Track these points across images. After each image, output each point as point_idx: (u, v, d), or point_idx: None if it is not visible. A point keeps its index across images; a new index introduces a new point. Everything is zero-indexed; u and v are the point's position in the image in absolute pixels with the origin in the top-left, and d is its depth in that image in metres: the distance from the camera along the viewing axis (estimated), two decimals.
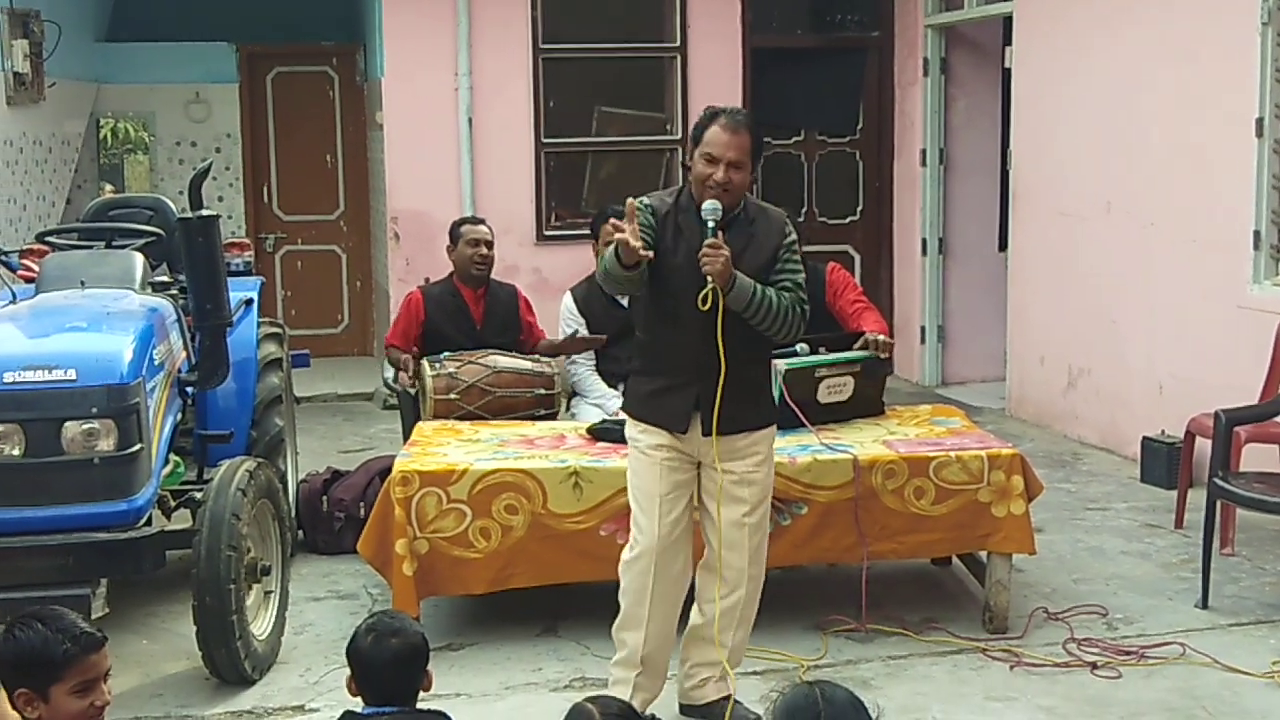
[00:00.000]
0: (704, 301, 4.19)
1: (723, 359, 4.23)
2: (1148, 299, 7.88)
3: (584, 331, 6.49)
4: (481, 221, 6.82)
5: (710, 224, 4.23)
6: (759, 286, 4.28)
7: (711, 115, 4.36)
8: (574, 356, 6.50)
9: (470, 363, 6.17)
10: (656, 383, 4.42)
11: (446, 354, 6.25)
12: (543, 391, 6.23)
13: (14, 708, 2.90)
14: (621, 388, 5.63)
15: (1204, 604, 5.66)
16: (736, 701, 4.51)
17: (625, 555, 4.50)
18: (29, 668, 2.89)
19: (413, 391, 6.36)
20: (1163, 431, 7.50)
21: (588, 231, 6.61)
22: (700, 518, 4.51)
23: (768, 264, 4.37)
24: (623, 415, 4.67)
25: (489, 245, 6.61)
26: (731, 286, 4.21)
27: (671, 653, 4.58)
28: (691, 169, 4.39)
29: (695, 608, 4.55)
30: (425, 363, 6.20)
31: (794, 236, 4.48)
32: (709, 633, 4.47)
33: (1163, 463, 7.37)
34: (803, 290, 4.42)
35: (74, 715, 2.90)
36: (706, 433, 4.32)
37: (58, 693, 2.89)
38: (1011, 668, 5.08)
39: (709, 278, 4.18)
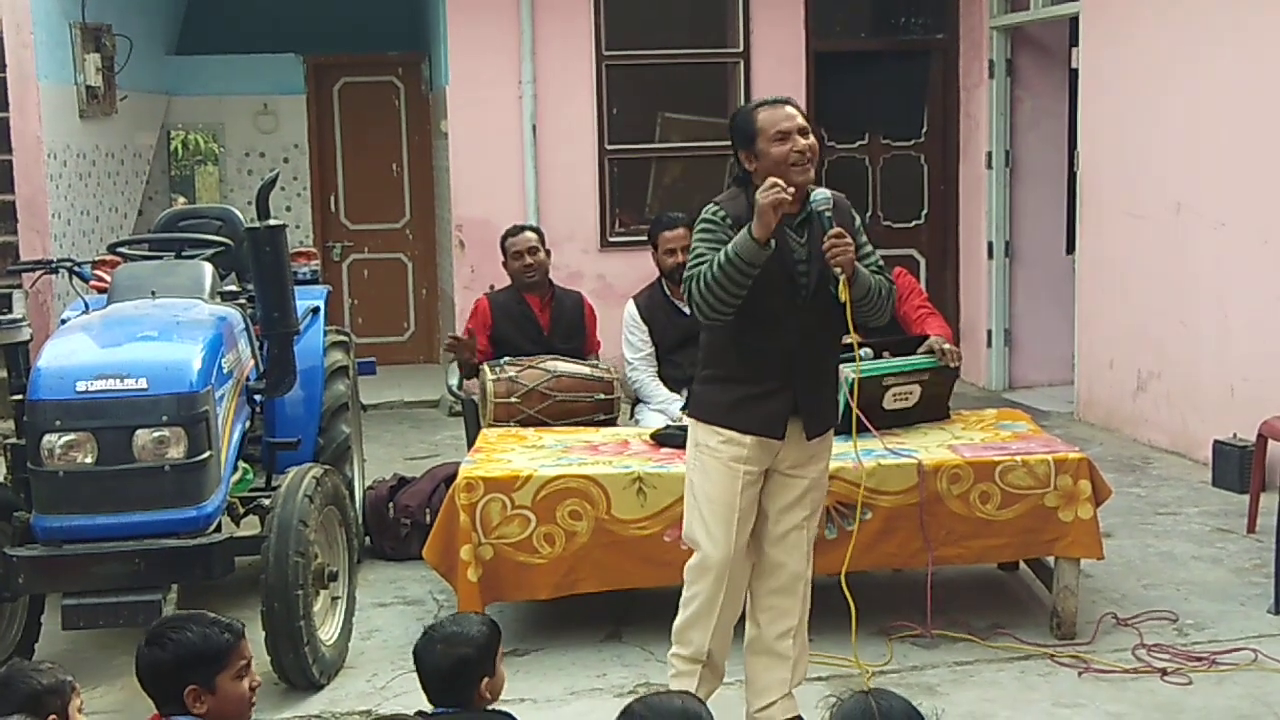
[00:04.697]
0: (841, 294, 4.08)
1: (857, 346, 4.22)
2: (1218, 301, 7.78)
3: (645, 337, 6.46)
4: (524, 229, 6.78)
5: (826, 213, 4.12)
6: (866, 271, 4.22)
7: (750, 109, 4.23)
8: (634, 362, 6.47)
9: (530, 367, 6.20)
10: (745, 389, 4.26)
11: (507, 359, 6.29)
12: (602, 396, 6.25)
13: (182, 710, 3.08)
14: (684, 393, 5.63)
15: (1277, 609, 5.58)
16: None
17: (692, 563, 4.43)
18: (195, 664, 3.08)
19: (476, 397, 6.40)
20: (1234, 435, 7.39)
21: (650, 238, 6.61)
22: (757, 524, 4.43)
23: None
24: (687, 421, 4.54)
25: (532, 252, 6.59)
26: (855, 275, 4.13)
27: (730, 647, 4.52)
28: (758, 163, 4.18)
29: (749, 620, 4.47)
30: (486, 367, 6.24)
31: (859, 218, 4.43)
32: (769, 644, 4.42)
33: (1234, 466, 7.28)
34: (886, 271, 4.39)
35: (239, 699, 3.13)
36: (810, 435, 4.29)
37: (223, 680, 3.09)
38: (1080, 674, 5.04)
39: (838, 269, 4.07)
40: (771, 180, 4.03)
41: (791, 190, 4.06)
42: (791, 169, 4.13)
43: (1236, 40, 7.55)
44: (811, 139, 4.20)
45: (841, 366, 5.46)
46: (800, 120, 4.19)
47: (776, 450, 4.32)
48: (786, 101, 4.24)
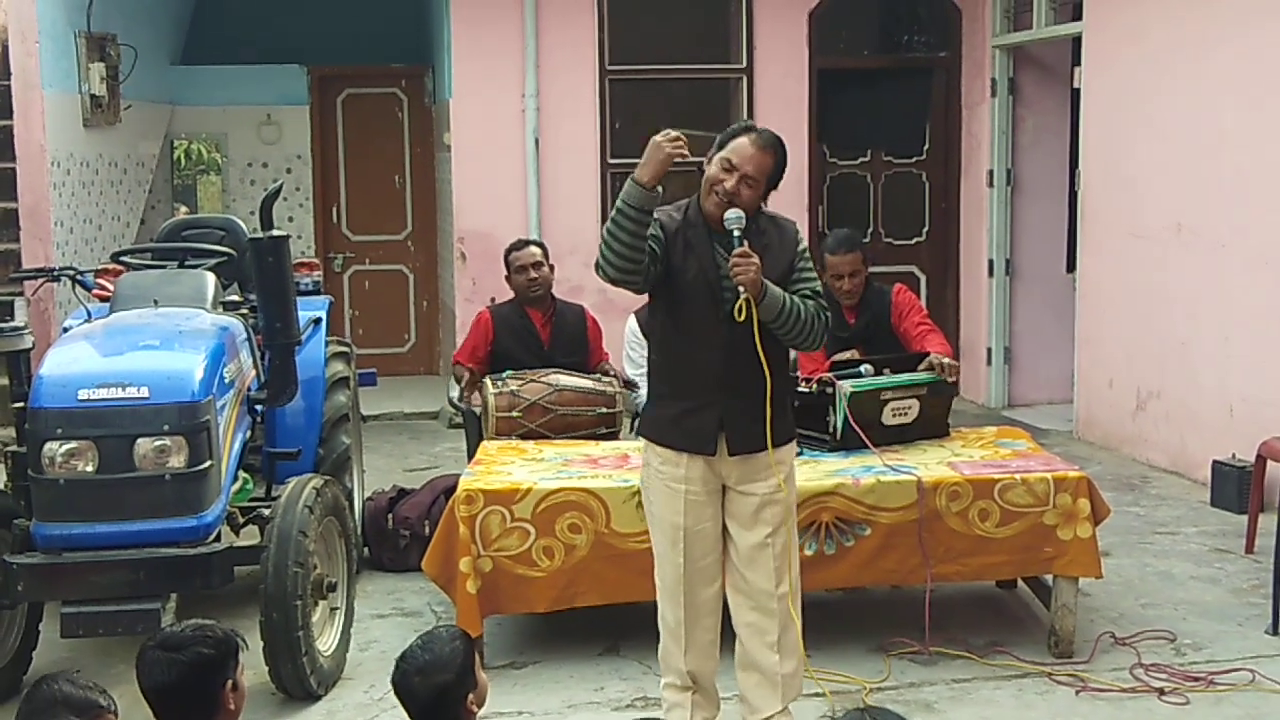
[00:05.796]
0: (739, 313, 4.10)
1: (766, 369, 4.15)
2: (1218, 321, 7.79)
3: (645, 353, 6.49)
4: (529, 243, 6.78)
5: (735, 233, 4.13)
6: (786, 294, 4.21)
7: (745, 128, 4.27)
8: (636, 379, 6.50)
9: (532, 381, 6.21)
10: (678, 405, 4.29)
11: (509, 372, 6.29)
12: (604, 410, 6.25)
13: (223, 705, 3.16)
14: None
15: (1274, 630, 5.59)
16: None
17: (657, 583, 4.45)
18: (231, 660, 3.17)
19: (477, 410, 6.40)
20: (1233, 455, 7.40)
21: None
22: (725, 540, 4.40)
23: (785, 274, 4.28)
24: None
25: (536, 267, 6.60)
26: (763, 296, 4.13)
27: (716, 667, 4.52)
28: (705, 173, 4.28)
29: (737, 637, 4.44)
30: (488, 380, 6.25)
31: (805, 244, 4.41)
32: (751, 659, 4.39)
33: (1233, 486, 7.28)
34: (821, 298, 4.35)
35: (244, 693, 3.23)
36: (733, 452, 4.25)
37: (239, 676, 3.19)
38: (1077, 693, 5.04)
39: (741, 288, 4.09)
40: (675, 134, 4.03)
41: (683, 148, 4.05)
42: (711, 192, 4.22)
43: (1238, 61, 7.57)
44: (749, 193, 4.20)
45: (840, 382, 5.54)
46: (753, 169, 4.19)
47: (716, 467, 4.30)
48: (770, 149, 4.22)
